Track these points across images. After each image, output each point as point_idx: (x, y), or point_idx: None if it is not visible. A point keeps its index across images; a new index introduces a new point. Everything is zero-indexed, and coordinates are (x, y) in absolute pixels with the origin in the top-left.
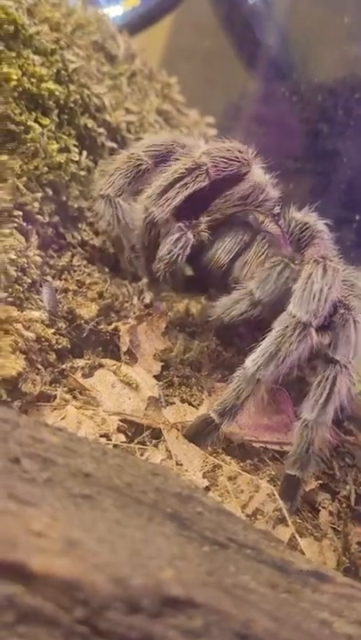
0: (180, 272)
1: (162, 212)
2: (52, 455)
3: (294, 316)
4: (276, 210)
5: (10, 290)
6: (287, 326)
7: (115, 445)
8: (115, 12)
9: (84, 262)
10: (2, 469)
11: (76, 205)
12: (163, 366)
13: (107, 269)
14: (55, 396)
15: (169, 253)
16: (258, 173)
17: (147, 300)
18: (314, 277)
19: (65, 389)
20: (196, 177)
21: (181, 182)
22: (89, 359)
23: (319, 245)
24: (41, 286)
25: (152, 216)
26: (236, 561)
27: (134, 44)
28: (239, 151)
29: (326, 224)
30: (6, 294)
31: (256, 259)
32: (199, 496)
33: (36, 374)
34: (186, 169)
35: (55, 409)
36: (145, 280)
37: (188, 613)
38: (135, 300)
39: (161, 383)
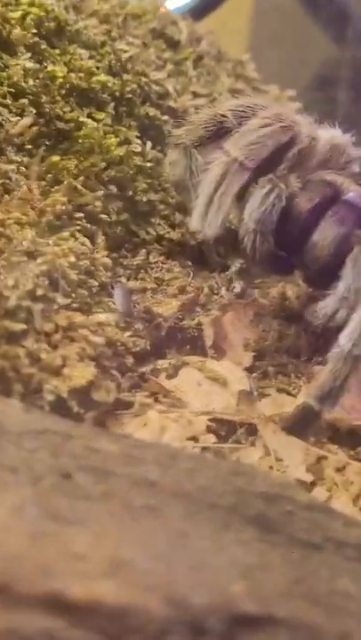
0: (269, 240)
1: (212, 230)
2: (111, 466)
3: None
4: (356, 169)
5: (73, 295)
6: None
7: (203, 448)
8: (180, 1)
9: (162, 258)
10: (49, 487)
11: (145, 199)
12: (256, 357)
13: (189, 263)
14: (134, 403)
15: (261, 207)
16: (335, 135)
17: (237, 290)
18: None
19: (146, 394)
20: (232, 178)
21: (219, 192)
22: (172, 359)
23: None
24: (112, 288)
25: (205, 237)
26: (332, 564)
27: (201, 27)
28: (275, 122)
29: None
30: (69, 300)
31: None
32: (291, 493)
33: (111, 381)
34: (220, 175)
35: (137, 416)
36: (233, 268)
37: (268, 631)
38: (224, 292)
39: (255, 375)
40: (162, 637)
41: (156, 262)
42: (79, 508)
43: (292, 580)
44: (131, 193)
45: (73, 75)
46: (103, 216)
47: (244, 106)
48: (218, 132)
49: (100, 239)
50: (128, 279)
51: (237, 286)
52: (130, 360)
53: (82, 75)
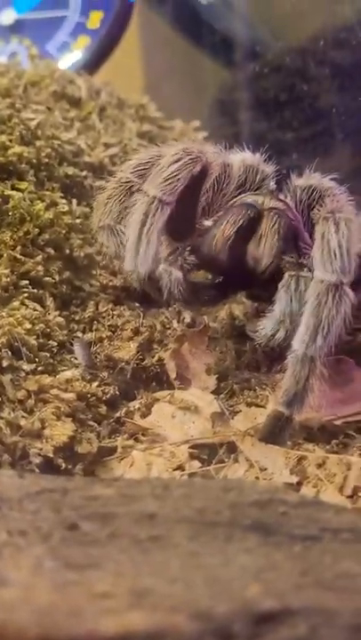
0: (194, 287)
1: (145, 267)
2: (111, 508)
3: (323, 281)
4: (272, 185)
5: (36, 359)
6: (319, 294)
7: (191, 474)
8: (74, 57)
9: (111, 305)
10: (60, 541)
11: (82, 254)
12: (219, 378)
13: (137, 304)
14: (117, 447)
15: (170, 293)
16: (246, 157)
17: (188, 320)
18: (328, 235)
19: (125, 436)
20: (155, 215)
21: (145, 230)
22: (142, 398)
23: (331, 202)
24: (71, 345)
25: (139, 275)
26: (333, 551)
27: (97, 79)
28: (184, 155)
29: (334, 178)
30: (34, 365)
31: (270, 231)
32: (281, 496)
33: (90, 432)
34: (143, 214)
35: (122, 458)
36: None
37: (288, 623)
38: (175, 324)
39: (222, 395)
40: None
41: (106, 310)
42: (92, 552)
43: (300, 573)
44: (68, 251)
45: None
46: (47, 279)
47: (141, 163)
48: (130, 199)
49: (49, 301)
50: (83, 332)
51: (187, 316)
52: (103, 408)
53: None
